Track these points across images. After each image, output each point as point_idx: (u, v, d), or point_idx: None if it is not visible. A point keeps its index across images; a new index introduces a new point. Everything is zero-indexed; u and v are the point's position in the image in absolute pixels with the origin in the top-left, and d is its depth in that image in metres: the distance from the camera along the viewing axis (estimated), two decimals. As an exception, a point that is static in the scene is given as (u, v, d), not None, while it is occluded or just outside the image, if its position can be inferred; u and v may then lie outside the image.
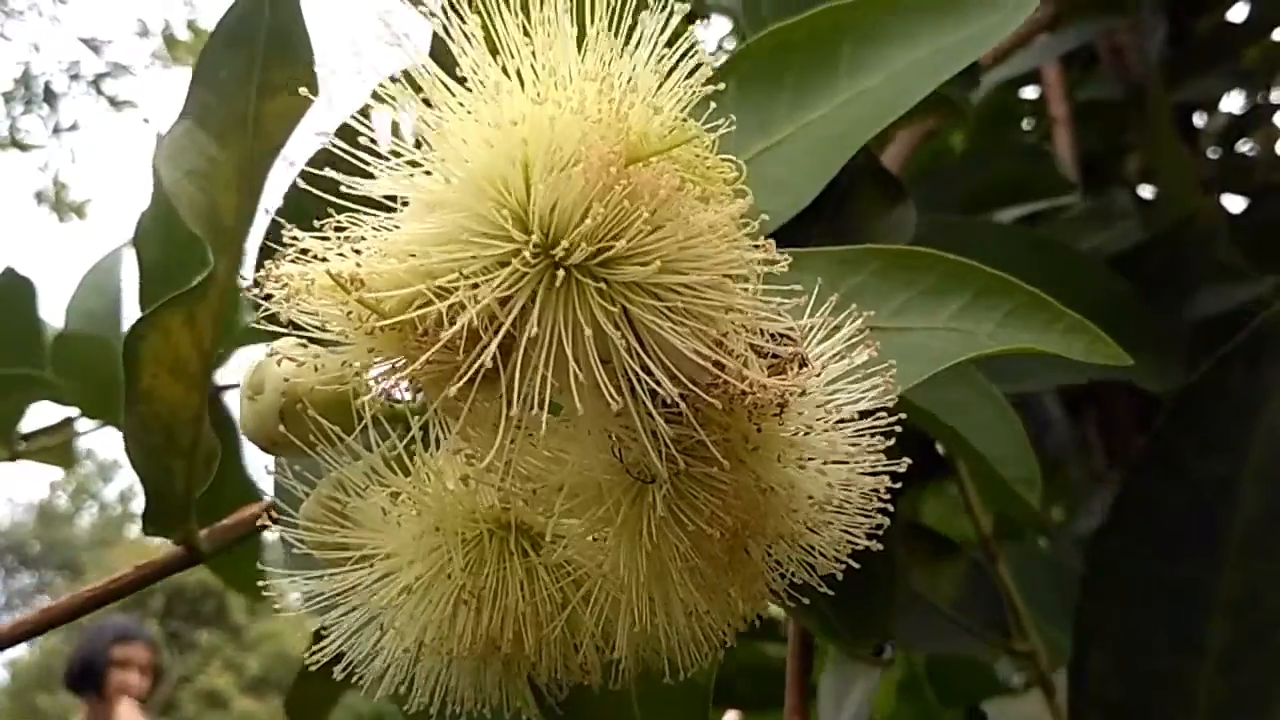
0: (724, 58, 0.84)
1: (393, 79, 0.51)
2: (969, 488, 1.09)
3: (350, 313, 0.50)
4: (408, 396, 0.55)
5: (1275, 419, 0.87)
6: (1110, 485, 1.53)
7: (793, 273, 0.59)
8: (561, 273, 0.48)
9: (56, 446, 1.74)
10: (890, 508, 0.58)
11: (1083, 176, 1.67)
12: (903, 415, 0.58)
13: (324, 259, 0.52)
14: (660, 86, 0.51)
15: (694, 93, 0.52)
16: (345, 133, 0.54)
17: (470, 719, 0.62)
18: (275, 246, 0.55)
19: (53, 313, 1.68)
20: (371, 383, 0.52)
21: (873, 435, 0.56)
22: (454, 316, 0.48)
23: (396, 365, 0.51)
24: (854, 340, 0.57)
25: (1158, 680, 0.87)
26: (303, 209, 0.56)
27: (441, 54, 0.52)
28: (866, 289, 0.70)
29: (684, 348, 0.48)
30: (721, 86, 0.54)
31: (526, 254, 0.48)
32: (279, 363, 0.58)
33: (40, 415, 1.68)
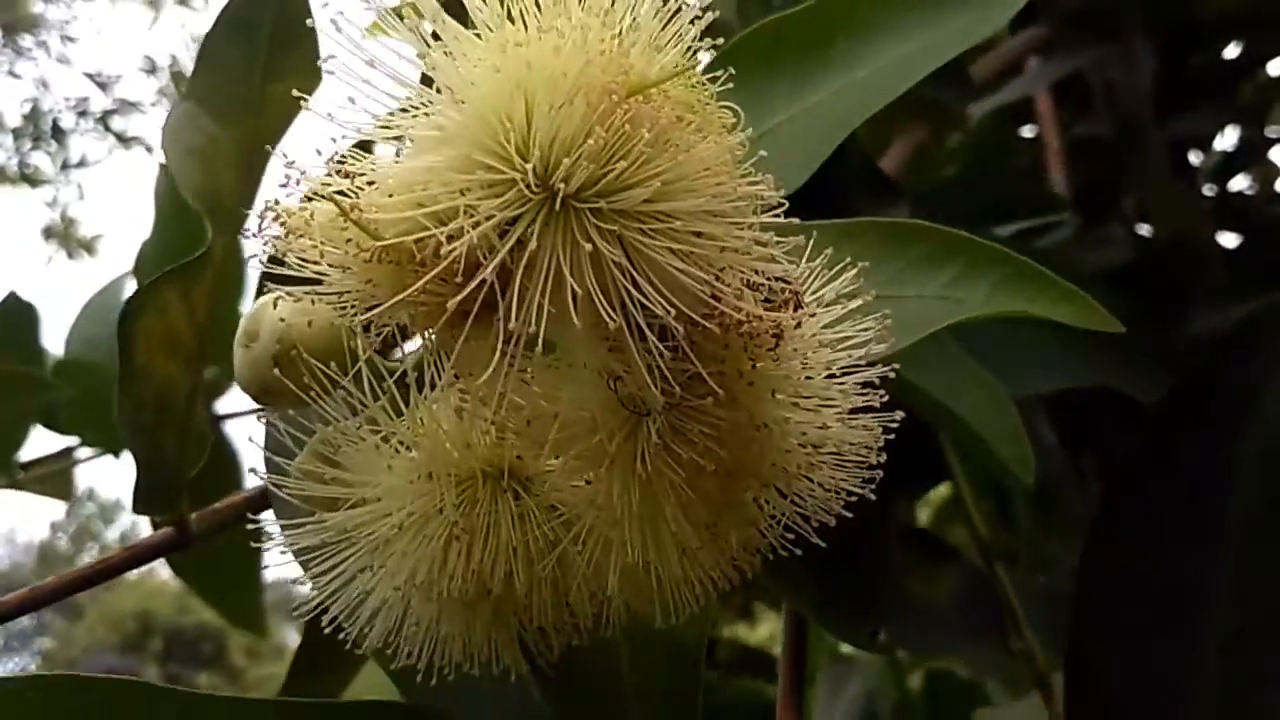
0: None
1: (398, 14, 0.52)
2: (965, 491, 1.08)
3: (349, 240, 0.50)
4: (402, 335, 0.55)
5: (1269, 409, 0.87)
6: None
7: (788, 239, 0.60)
8: (560, 201, 0.49)
9: (55, 476, 1.73)
10: (883, 458, 0.58)
11: (1078, 213, 1.68)
12: (895, 365, 0.58)
13: (323, 196, 0.52)
14: (663, 27, 0.52)
15: (694, 37, 0.53)
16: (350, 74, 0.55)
17: (458, 677, 0.62)
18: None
19: (59, 345, 1.69)
20: (367, 316, 0.52)
21: (866, 383, 0.57)
22: (452, 243, 0.49)
23: (393, 295, 0.51)
24: (849, 287, 0.57)
25: (1157, 675, 0.86)
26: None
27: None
28: (860, 258, 0.70)
29: (680, 274, 0.49)
30: (720, 40, 0.55)
31: (527, 180, 0.48)
32: (275, 306, 0.59)
33: (40, 446, 1.68)
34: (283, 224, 0.53)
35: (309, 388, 0.58)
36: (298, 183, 0.53)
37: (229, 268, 0.81)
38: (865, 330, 0.57)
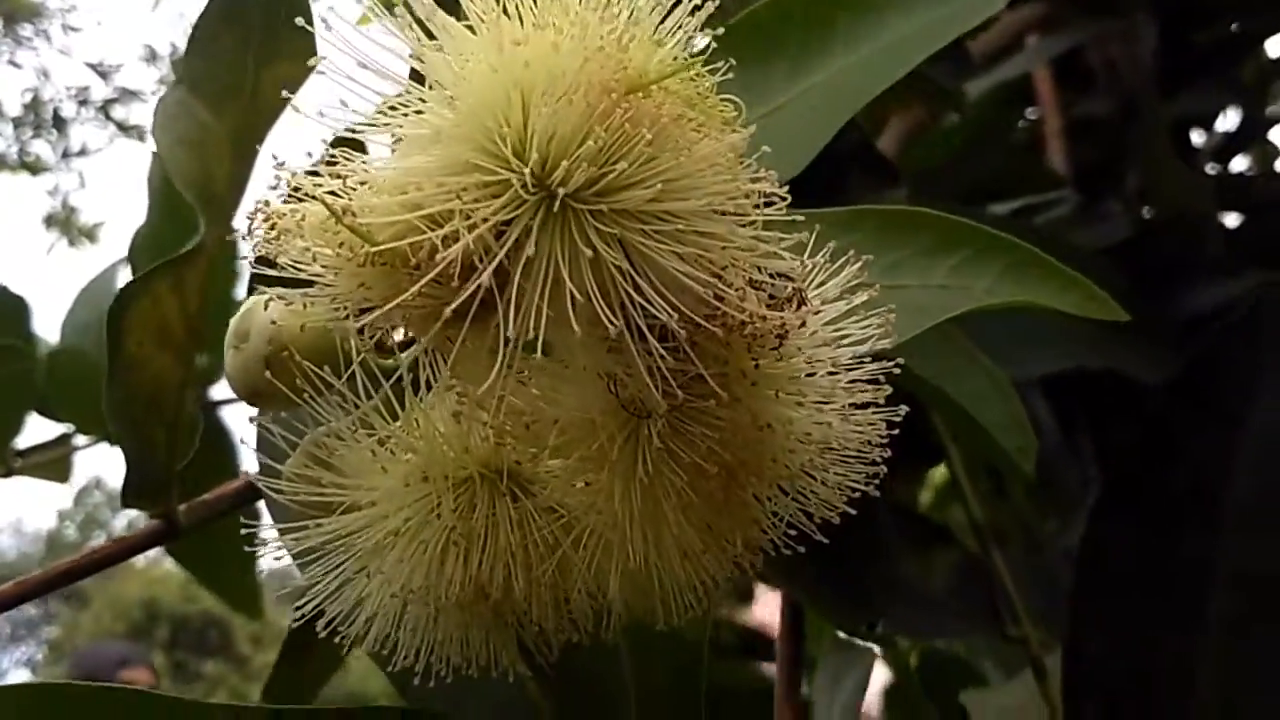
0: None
1: (389, 8, 0.51)
2: (960, 474, 1.08)
3: (341, 243, 0.49)
4: (396, 337, 0.54)
5: (1270, 393, 0.86)
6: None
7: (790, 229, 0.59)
8: (558, 202, 0.47)
9: (53, 462, 1.72)
10: (887, 454, 0.57)
11: (1079, 191, 1.67)
12: (900, 360, 0.57)
13: (315, 197, 0.51)
14: (662, 21, 0.50)
15: (695, 32, 0.52)
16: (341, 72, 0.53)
17: (457, 678, 0.61)
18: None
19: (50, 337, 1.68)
20: (361, 320, 0.51)
21: (870, 379, 0.56)
22: (447, 246, 0.47)
23: (387, 301, 0.50)
24: (853, 283, 0.56)
25: (1158, 660, 0.86)
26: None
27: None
28: (862, 248, 0.69)
29: (681, 274, 0.48)
30: (721, 30, 0.54)
31: (524, 181, 0.47)
32: (266, 307, 0.57)
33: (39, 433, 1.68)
34: (273, 225, 0.52)
35: (301, 390, 0.57)
36: (288, 183, 0.51)
37: (222, 256, 0.79)
38: (869, 326, 0.55)
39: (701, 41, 0.52)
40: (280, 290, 0.55)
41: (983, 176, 1.43)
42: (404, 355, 0.55)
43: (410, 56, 0.49)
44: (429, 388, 0.55)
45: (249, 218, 0.52)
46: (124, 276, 1.64)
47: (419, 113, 0.50)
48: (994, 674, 1.52)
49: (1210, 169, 1.98)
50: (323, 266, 0.51)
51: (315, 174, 0.52)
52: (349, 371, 0.56)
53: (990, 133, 1.61)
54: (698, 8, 0.51)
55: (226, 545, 1.43)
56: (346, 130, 0.52)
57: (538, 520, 0.55)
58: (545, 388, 0.52)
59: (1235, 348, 0.87)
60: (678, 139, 0.48)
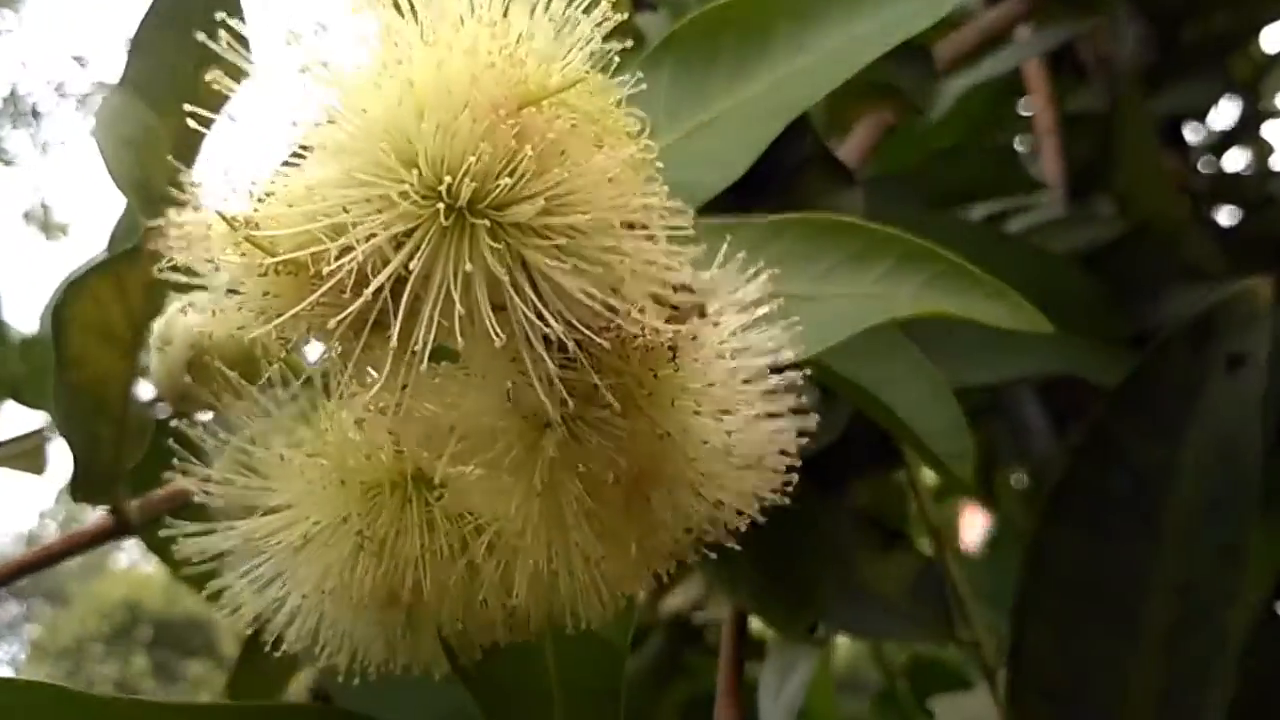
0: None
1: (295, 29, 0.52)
2: (917, 479, 1.08)
3: (244, 254, 0.50)
4: (306, 345, 0.55)
5: (1214, 402, 0.87)
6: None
7: (713, 237, 0.60)
8: (452, 215, 0.48)
9: (28, 453, 1.74)
10: (798, 463, 0.58)
11: (1070, 187, 1.66)
12: (807, 371, 0.58)
13: (215, 209, 0.52)
14: (559, 34, 0.51)
15: (597, 46, 0.52)
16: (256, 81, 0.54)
17: (382, 677, 0.62)
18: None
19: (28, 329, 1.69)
20: (266, 327, 0.52)
21: (777, 389, 0.56)
22: (344, 257, 0.48)
23: (289, 309, 0.51)
24: (759, 294, 0.57)
25: (1096, 662, 0.87)
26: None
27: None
28: (791, 255, 0.70)
29: (574, 289, 0.48)
30: (629, 43, 0.54)
31: (414, 194, 0.48)
32: (186, 314, 0.58)
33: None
34: (183, 234, 0.53)
35: (221, 394, 0.58)
36: (196, 194, 0.52)
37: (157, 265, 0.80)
38: (774, 336, 0.56)
39: (607, 56, 0.53)
40: (195, 297, 0.56)
41: (958, 180, 1.43)
42: (317, 360, 0.56)
43: (303, 70, 0.49)
44: (339, 394, 0.56)
45: (159, 228, 0.53)
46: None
47: (322, 126, 0.51)
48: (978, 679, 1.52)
49: (1204, 164, 1.97)
50: (232, 275, 0.52)
51: (225, 185, 0.53)
52: (264, 377, 0.57)
53: (973, 131, 1.61)
54: (600, 24, 0.52)
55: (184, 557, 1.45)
56: (260, 141, 0.53)
57: (446, 525, 0.56)
58: (448, 393, 0.53)
59: (1179, 356, 0.88)
60: (570, 153, 0.49)
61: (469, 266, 0.47)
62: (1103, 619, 0.86)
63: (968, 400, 0.84)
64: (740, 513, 0.58)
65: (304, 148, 0.52)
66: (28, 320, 1.68)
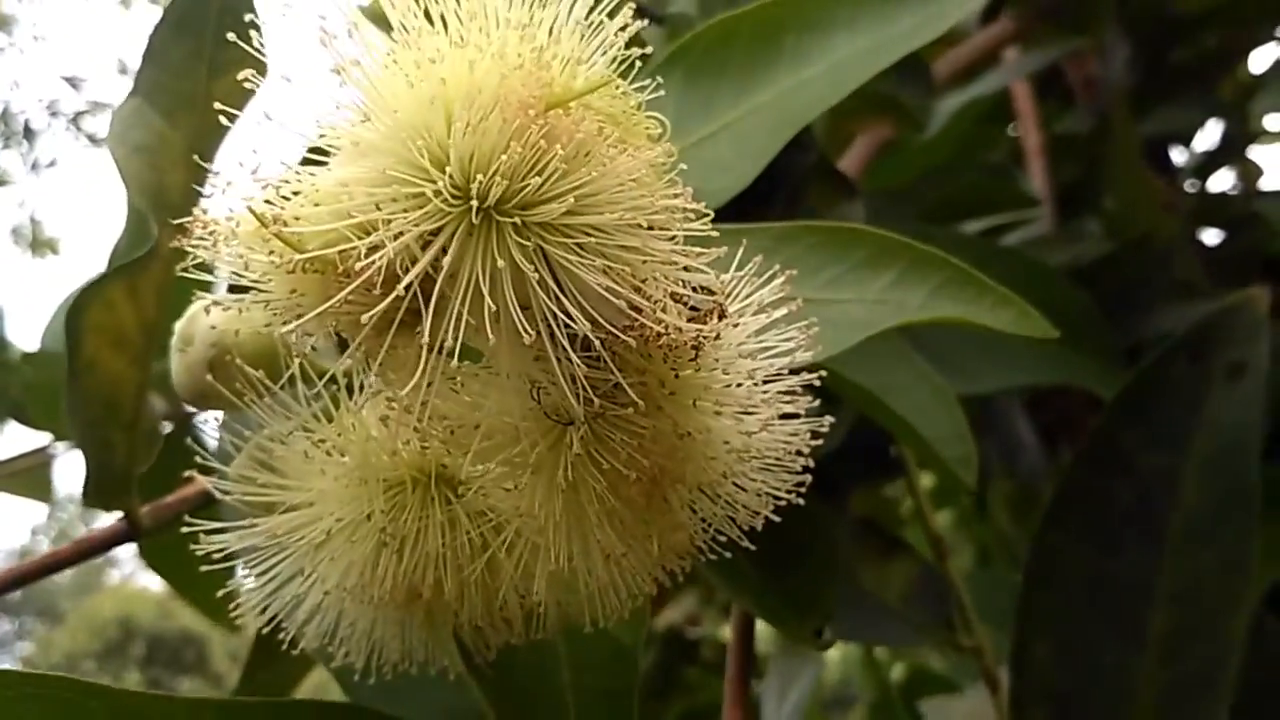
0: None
1: (328, 30, 0.52)
2: (917, 487, 1.09)
3: (272, 251, 0.51)
4: (331, 343, 0.56)
5: (1217, 411, 0.88)
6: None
7: (726, 241, 0.61)
8: (480, 214, 0.49)
9: (33, 474, 1.73)
10: (811, 463, 0.59)
11: (1058, 209, 1.68)
12: (822, 372, 0.59)
13: (247, 206, 0.53)
14: (584, 38, 0.52)
15: (620, 49, 0.53)
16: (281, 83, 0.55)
17: (396, 675, 0.62)
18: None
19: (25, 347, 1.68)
20: (293, 325, 0.52)
21: (794, 390, 0.57)
22: (372, 254, 0.49)
23: (316, 306, 0.51)
24: (776, 297, 0.58)
25: (1100, 670, 0.87)
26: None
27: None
28: (801, 262, 0.71)
29: (599, 287, 0.49)
30: (650, 49, 0.56)
31: (444, 192, 0.49)
32: (208, 312, 0.59)
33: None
34: (210, 232, 0.53)
35: (242, 393, 0.59)
36: (224, 191, 0.53)
37: (180, 264, 0.81)
38: (791, 339, 0.57)
39: (630, 62, 0.54)
40: (219, 296, 0.57)
41: (953, 195, 1.44)
42: (341, 358, 0.57)
43: (335, 71, 0.50)
44: (362, 392, 0.57)
45: (187, 225, 0.54)
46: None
47: (350, 125, 0.51)
48: (973, 690, 1.53)
49: (1190, 185, 1.99)
50: (257, 273, 0.53)
51: (253, 183, 0.53)
52: (286, 375, 0.58)
53: (963, 151, 1.63)
54: (623, 29, 0.53)
55: (203, 555, 1.44)
56: (283, 141, 0.54)
57: (467, 523, 0.56)
58: (472, 392, 0.53)
59: (1182, 365, 0.89)
60: (597, 154, 0.49)
61: (501, 263, 0.48)
62: (1105, 626, 0.87)
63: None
64: (755, 512, 0.59)
65: (328, 148, 0.53)
66: (22, 337, 1.68)
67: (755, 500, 0.59)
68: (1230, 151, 2.00)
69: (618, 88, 0.53)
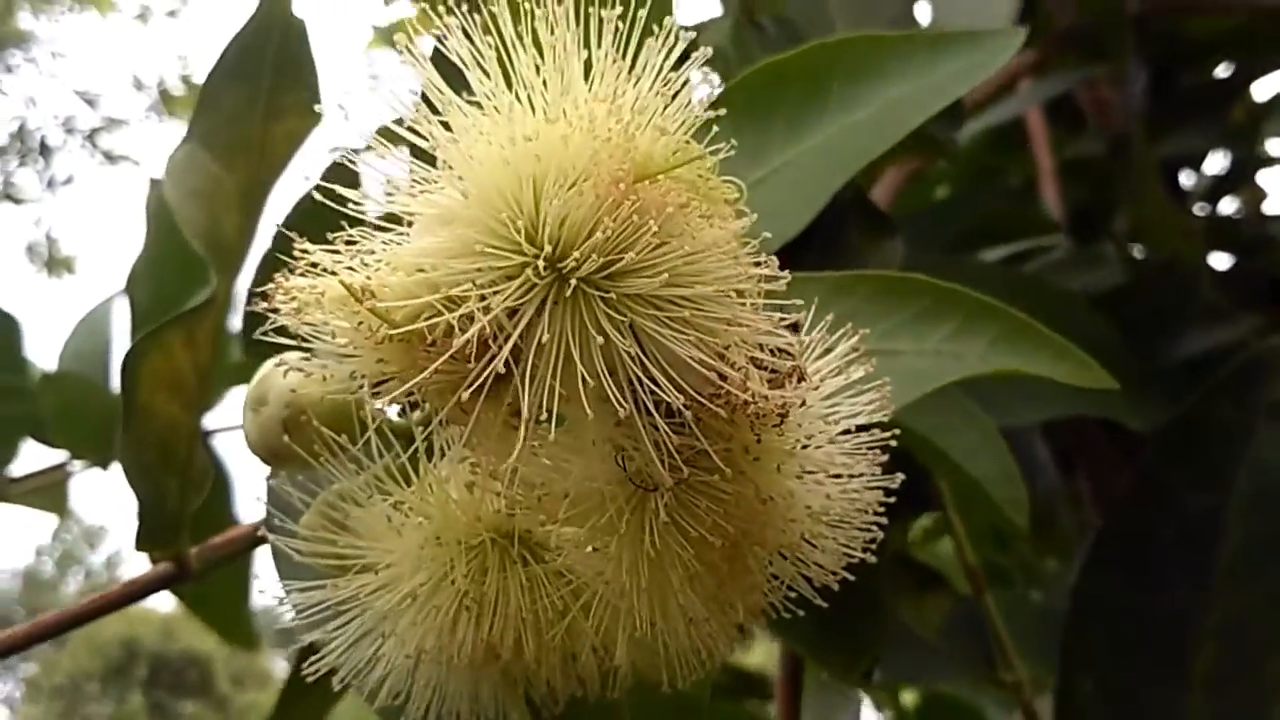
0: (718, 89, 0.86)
1: (410, 103, 0.53)
2: (955, 521, 1.10)
3: (361, 323, 0.51)
4: (412, 409, 0.56)
5: (1262, 449, 0.89)
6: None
7: (787, 296, 0.61)
8: (570, 286, 0.49)
9: (49, 490, 1.73)
10: (884, 522, 0.59)
11: (1070, 233, 1.69)
12: (897, 430, 0.59)
13: (333, 272, 0.53)
14: (665, 109, 0.52)
15: (697, 117, 0.54)
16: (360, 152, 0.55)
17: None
18: (282, 259, 0.56)
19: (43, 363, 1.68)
20: (379, 395, 0.53)
21: (868, 450, 0.58)
22: (464, 326, 0.49)
23: (404, 376, 0.52)
24: (850, 356, 0.58)
25: (1144, 708, 0.88)
26: (311, 225, 0.57)
27: (451, 78, 0.54)
28: (858, 313, 0.72)
29: (688, 357, 0.50)
30: (723, 111, 0.56)
31: (538, 266, 0.49)
32: (285, 374, 0.59)
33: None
34: (292, 299, 0.53)
35: (318, 454, 0.59)
36: (307, 263, 0.53)
37: (227, 306, 0.81)
38: (866, 400, 0.57)
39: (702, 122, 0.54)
40: (298, 359, 0.57)
41: (974, 221, 1.45)
42: (418, 428, 0.57)
43: (419, 136, 0.51)
44: (443, 454, 0.57)
45: (268, 293, 0.54)
46: (122, 307, 1.65)
47: (431, 193, 0.52)
48: (995, 714, 1.53)
49: (1199, 210, 2.01)
50: (342, 341, 0.53)
51: (333, 250, 0.54)
52: (365, 437, 0.58)
53: (982, 178, 1.64)
54: (697, 102, 0.53)
55: (223, 576, 1.44)
56: (369, 202, 0.54)
57: (548, 586, 0.57)
58: (556, 459, 0.54)
59: (1226, 404, 0.90)
60: (684, 226, 0.50)
61: (594, 338, 0.48)
62: (1149, 664, 0.87)
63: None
64: (829, 570, 0.59)
65: (409, 216, 0.54)
66: (38, 355, 1.68)
67: (828, 559, 0.59)
68: (1239, 176, 2.02)
69: (697, 154, 0.53)
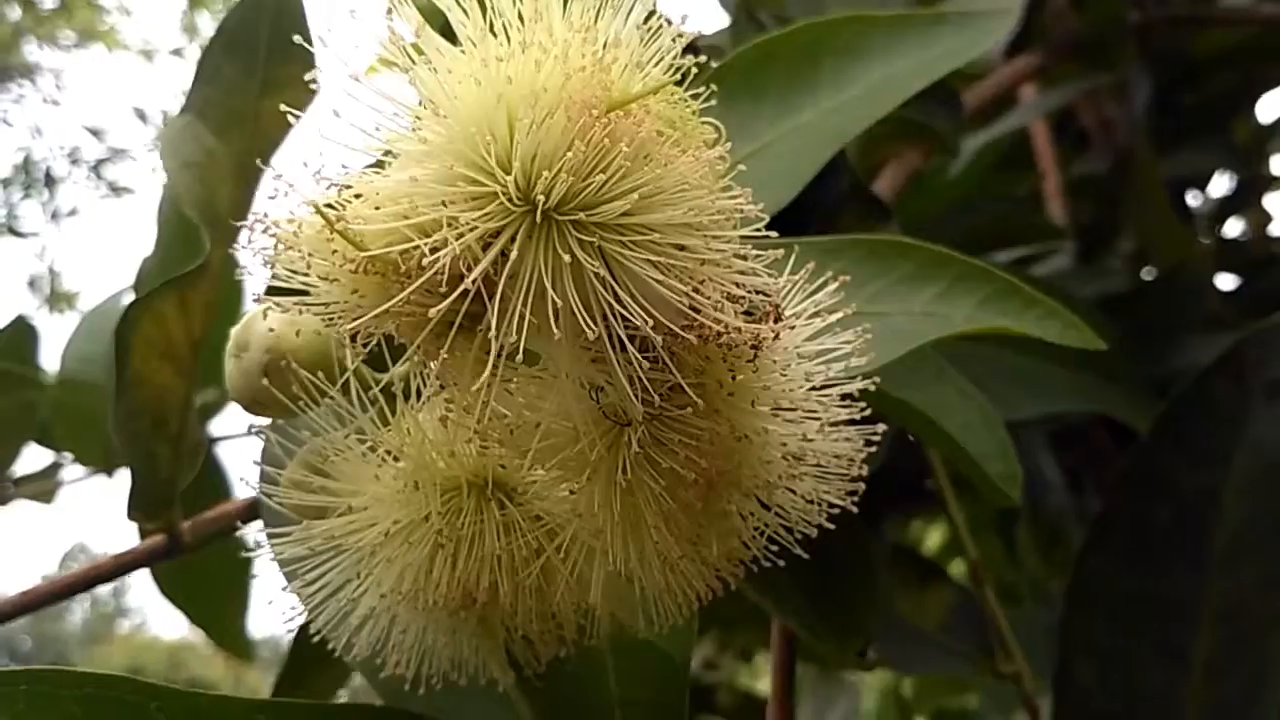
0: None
1: (387, 38, 0.53)
2: (954, 513, 1.09)
3: (335, 250, 0.51)
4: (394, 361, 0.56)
5: (1258, 430, 0.88)
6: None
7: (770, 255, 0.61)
8: (541, 215, 0.50)
9: (47, 490, 1.74)
10: (865, 471, 0.59)
11: (1078, 245, 1.68)
12: (876, 379, 0.59)
13: (313, 203, 0.53)
14: (643, 42, 0.53)
15: (676, 54, 0.54)
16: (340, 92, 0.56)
17: (445, 687, 0.62)
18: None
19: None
20: (352, 326, 0.53)
21: (847, 395, 0.57)
22: (436, 255, 0.49)
23: (379, 306, 0.52)
24: (831, 302, 0.58)
25: (1143, 691, 0.86)
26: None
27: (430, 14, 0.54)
28: (848, 274, 0.71)
29: (659, 286, 0.50)
30: (703, 58, 0.56)
31: (510, 193, 0.49)
32: (265, 317, 0.59)
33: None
34: (272, 235, 0.54)
35: (298, 397, 0.59)
36: (286, 195, 0.53)
37: (226, 280, 0.82)
38: (845, 343, 0.57)
39: (685, 68, 0.55)
40: (277, 298, 0.57)
41: (980, 227, 1.45)
42: (395, 364, 0.57)
43: (404, 75, 0.51)
44: (419, 395, 0.57)
45: (248, 227, 0.54)
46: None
47: (411, 127, 0.52)
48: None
49: (1203, 231, 2.00)
50: (317, 276, 0.53)
51: (315, 185, 0.54)
52: (343, 379, 0.58)
53: (990, 185, 1.64)
54: (680, 35, 0.53)
55: (218, 581, 1.44)
56: (343, 145, 0.55)
57: (523, 526, 0.56)
58: (529, 394, 0.53)
59: (1220, 387, 0.89)
60: (656, 155, 0.50)
61: (564, 259, 0.48)
62: (1148, 647, 0.86)
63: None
64: (808, 519, 0.59)
65: (388, 153, 0.54)
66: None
67: (808, 507, 0.58)
68: (1245, 198, 2.01)
69: (674, 94, 0.54)
